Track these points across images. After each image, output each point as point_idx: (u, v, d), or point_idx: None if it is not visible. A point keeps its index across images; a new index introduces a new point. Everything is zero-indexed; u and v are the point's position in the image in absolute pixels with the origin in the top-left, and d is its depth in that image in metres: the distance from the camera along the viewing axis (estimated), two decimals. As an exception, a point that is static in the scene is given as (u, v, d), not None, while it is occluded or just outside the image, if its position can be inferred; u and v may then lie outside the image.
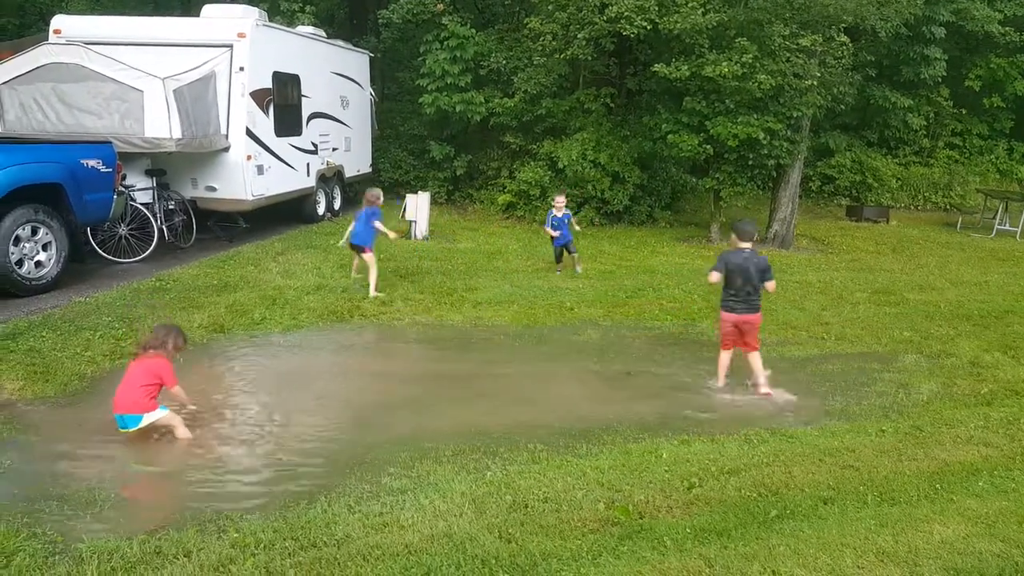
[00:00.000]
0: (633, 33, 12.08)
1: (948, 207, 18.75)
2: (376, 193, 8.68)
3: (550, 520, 3.73)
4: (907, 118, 18.58)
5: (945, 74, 17.91)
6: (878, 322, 8.33)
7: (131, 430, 4.64)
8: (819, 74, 12.43)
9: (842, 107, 14.99)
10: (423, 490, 4.03)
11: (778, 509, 3.95)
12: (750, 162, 13.01)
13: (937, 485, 4.30)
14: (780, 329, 7.92)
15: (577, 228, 10.71)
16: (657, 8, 11.80)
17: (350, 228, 8.64)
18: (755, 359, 6.05)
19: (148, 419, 4.63)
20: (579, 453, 4.65)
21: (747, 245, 5.96)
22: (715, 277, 5.94)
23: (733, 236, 6.08)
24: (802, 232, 14.56)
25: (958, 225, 16.33)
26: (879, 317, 8.57)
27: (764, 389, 5.98)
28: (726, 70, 11.45)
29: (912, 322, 8.32)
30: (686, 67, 11.81)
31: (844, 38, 12.87)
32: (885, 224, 16.42)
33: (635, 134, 14.11)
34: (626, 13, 11.77)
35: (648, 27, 11.90)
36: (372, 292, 8.22)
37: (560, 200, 10.17)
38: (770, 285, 5.93)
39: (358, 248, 8.51)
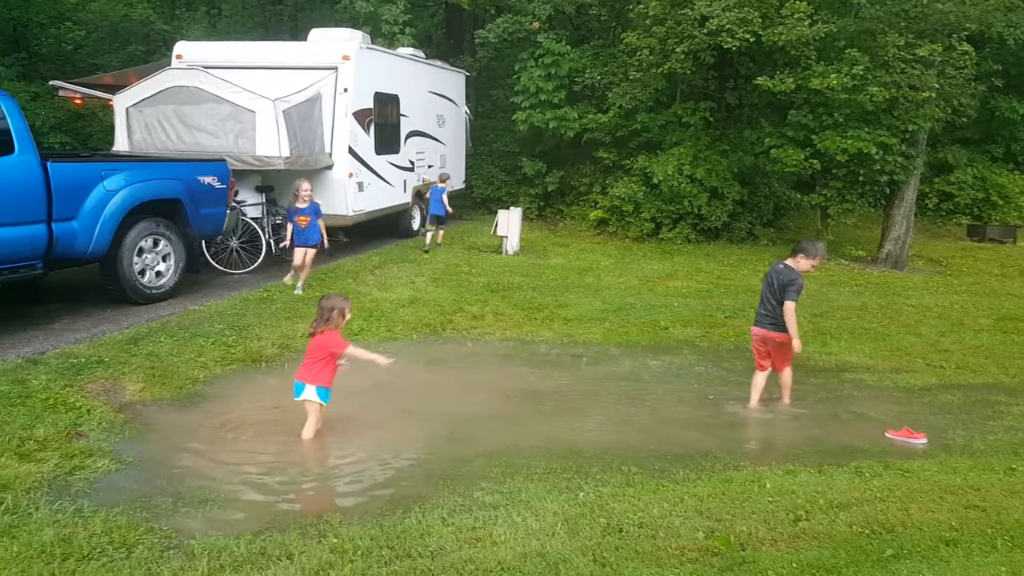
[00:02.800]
0: (735, 46, 11.78)
1: (1085, 227, 17.18)
2: (299, 185, 8.47)
3: (646, 546, 3.61)
4: (1037, 130, 17.22)
5: (1083, 83, 16.52)
6: (1005, 351, 7.70)
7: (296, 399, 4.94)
8: (937, 85, 11.73)
9: (963, 120, 14.04)
10: (515, 507, 3.99)
11: (894, 548, 3.68)
12: (861, 178, 12.39)
13: (1080, 533, 3.88)
14: (893, 355, 7.45)
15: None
16: (760, 20, 11.46)
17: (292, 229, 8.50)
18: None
19: (304, 394, 4.88)
20: (675, 478, 4.50)
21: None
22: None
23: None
24: (917, 253, 13.71)
25: (1097, 246, 14.93)
26: (1006, 345, 7.92)
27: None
28: (835, 82, 10.98)
29: (1045, 352, 7.63)
30: (791, 79, 11.41)
31: (966, 47, 12.08)
32: (1012, 245, 15.23)
33: (735, 148, 13.70)
34: (727, 26, 11.48)
35: (751, 40, 11.57)
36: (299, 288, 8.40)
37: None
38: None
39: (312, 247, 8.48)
